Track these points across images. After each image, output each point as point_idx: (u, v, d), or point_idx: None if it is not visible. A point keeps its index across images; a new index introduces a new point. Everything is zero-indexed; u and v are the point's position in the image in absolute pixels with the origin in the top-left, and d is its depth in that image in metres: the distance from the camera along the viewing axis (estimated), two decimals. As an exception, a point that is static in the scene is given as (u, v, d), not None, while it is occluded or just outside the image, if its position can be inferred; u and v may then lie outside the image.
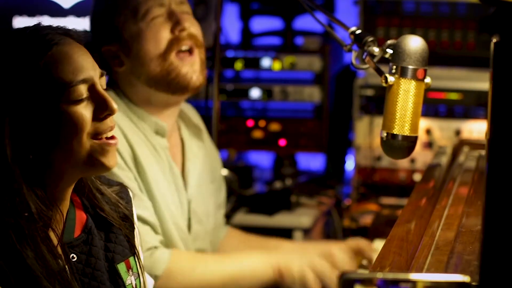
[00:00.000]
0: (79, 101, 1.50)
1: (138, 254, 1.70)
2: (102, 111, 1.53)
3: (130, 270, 1.65)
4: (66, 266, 1.51)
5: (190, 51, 2.16)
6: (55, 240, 1.51)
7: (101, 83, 1.56)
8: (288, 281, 2.18)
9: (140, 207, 2.07)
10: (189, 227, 2.25)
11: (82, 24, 3.74)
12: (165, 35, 2.14)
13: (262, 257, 2.21)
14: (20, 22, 3.79)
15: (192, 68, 2.15)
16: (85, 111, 1.51)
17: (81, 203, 1.63)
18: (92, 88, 1.53)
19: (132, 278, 1.65)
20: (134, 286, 1.65)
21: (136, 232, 1.72)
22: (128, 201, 1.73)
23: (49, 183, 1.52)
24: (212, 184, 2.39)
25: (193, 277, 2.13)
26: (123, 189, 1.73)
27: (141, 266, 1.69)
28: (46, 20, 3.71)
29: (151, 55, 2.13)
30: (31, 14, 3.80)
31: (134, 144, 2.13)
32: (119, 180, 2.04)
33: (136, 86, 2.18)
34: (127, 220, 1.68)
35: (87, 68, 1.53)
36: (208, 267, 2.15)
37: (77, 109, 1.50)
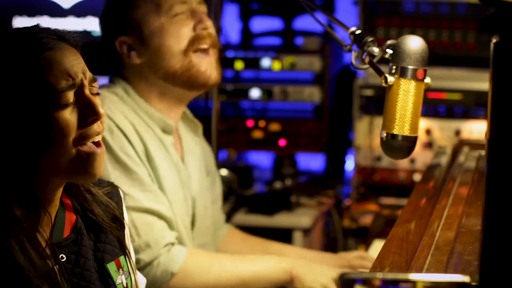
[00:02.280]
0: (65, 106, 1.50)
1: (129, 253, 1.70)
2: (88, 115, 1.52)
3: (120, 269, 1.65)
4: (55, 267, 1.52)
5: (206, 51, 2.20)
6: (43, 241, 1.51)
7: (92, 88, 1.55)
8: None
9: (156, 202, 2.10)
10: (192, 222, 2.27)
11: (82, 24, 3.74)
12: (187, 32, 2.17)
13: (276, 261, 2.21)
14: (20, 22, 3.79)
15: (210, 66, 2.20)
16: (70, 116, 1.50)
17: (71, 205, 1.63)
18: (79, 92, 1.52)
19: (123, 277, 1.65)
20: (125, 285, 1.65)
21: (126, 231, 1.72)
22: (119, 201, 1.73)
23: (37, 185, 1.51)
24: (207, 178, 2.40)
25: (209, 277, 2.14)
26: (114, 189, 1.73)
27: (133, 264, 1.69)
28: (46, 20, 3.72)
29: (172, 50, 2.16)
30: (31, 14, 3.79)
31: (145, 140, 2.15)
32: (134, 173, 2.06)
33: (151, 81, 2.20)
34: (117, 221, 1.68)
35: (77, 73, 1.52)
36: (224, 268, 2.16)
37: (62, 114, 1.49)
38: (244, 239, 2.51)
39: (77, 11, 3.77)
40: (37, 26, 1.56)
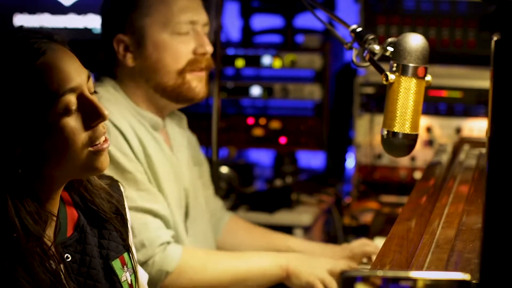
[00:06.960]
0: (68, 112, 1.48)
1: (131, 249, 1.69)
2: (93, 119, 1.51)
3: (125, 266, 1.64)
4: (60, 266, 1.50)
5: (200, 71, 2.23)
6: (48, 242, 1.49)
7: (88, 86, 1.53)
8: (295, 284, 2.19)
9: (151, 201, 2.11)
10: (186, 213, 2.28)
11: (82, 21, 3.74)
12: (187, 53, 2.19)
13: (272, 257, 2.22)
14: (20, 19, 3.79)
15: (201, 83, 2.23)
16: (75, 123, 1.48)
17: (71, 200, 1.61)
18: (81, 96, 1.50)
19: (127, 274, 1.64)
20: (129, 282, 1.64)
21: (129, 227, 1.71)
22: (120, 196, 1.71)
23: (39, 188, 1.50)
24: (196, 167, 2.42)
25: (204, 275, 2.15)
26: (114, 183, 1.72)
27: (135, 261, 1.68)
28: (47, 18, 3.72)
29: (168, 68, 2.18)
30: (32, 11, 3.79)
31: (141, 136, 2.16)
32: (129, 172, 2.07)
33: (140, 86, 2.22)
34: (119, 213, 1.67)
35: (74, 75, 1.49)
36: (219, 265, 2.16)
37: (67, 122, 1.48)
38: (247, 228, 2.52)
39: (77, 8, 3.76)
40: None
